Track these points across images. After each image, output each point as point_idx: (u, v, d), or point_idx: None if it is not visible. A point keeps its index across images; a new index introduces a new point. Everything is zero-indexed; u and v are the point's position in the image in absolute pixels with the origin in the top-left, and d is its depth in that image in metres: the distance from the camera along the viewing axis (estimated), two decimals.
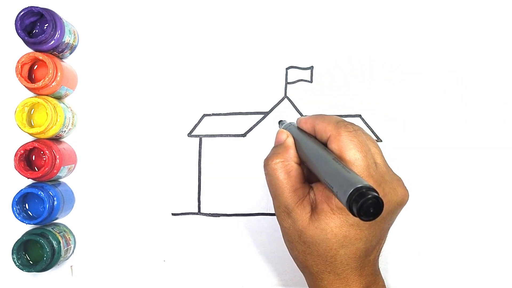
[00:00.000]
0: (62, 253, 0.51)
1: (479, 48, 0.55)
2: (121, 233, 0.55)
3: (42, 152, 0.51)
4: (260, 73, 0.55)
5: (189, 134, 0.55)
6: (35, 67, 0.52)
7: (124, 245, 0.55)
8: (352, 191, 0.32)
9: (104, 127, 0.55)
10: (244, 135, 0.55)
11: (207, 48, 0.56)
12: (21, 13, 0.49)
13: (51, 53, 0.52)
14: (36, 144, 0.50)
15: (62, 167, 0.51)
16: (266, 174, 0.43)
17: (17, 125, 0.49)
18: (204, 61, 0.56)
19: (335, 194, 0.35)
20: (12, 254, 0.50)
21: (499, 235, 0.54)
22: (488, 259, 0.54)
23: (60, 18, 0.51)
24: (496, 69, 0.55)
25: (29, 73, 0.51)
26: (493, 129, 0.54)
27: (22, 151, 0.50)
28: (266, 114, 0.55)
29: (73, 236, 0.54)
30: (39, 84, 0.49)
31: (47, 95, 0.51)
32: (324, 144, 0.41)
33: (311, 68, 0.55)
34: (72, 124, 0.53)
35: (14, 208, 0.50)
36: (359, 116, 0.55)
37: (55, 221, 0.54)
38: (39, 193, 0.50)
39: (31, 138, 0.53)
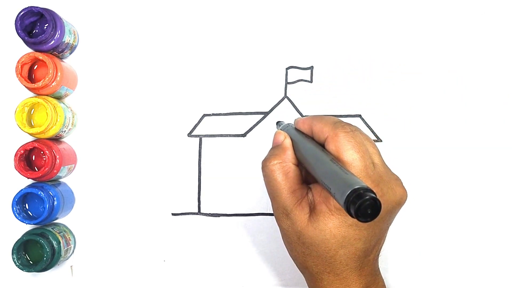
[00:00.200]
0: (62, 253, 0.51)
1: (479, 48, 0.55)
2: (121, 233, 0.55)
3: (42, 152, 0.51)
4: (260, 73, 0.55)
5: (189, 134, 0.55)
6: (35, 67, 0.52)
7: (124, 245, 0.55)
8: (350, 192, 0.32)
9: (104, 127, 0.55)
10: (244, 135, 0.55)
11: (207, 48, 0.56)
12: (21, 13, 0.49)
13: (51, 53, 0.52)
14: (36, 144, 0.50)
15: (62, 167, 0.51)
16: (264, 176, 0.43)
17: (17, 125, 0.50)
18: (204, 61, 0.56)
19: (332, 196, 0.35)
20: (12, 254, 0.50)
21: (499, 235, 0.54)
22: (488, 259, 0.54)
23: (60, 18, 0.51)
24: (496, 69, 0.55)
25: (29, 73, 0.51)
26: (493, 129, 0.54)
27: (22, 151, 0.50)
28: (266, 114, 0.55)
29: (73, 236, 0.54)
30: (39, 84, 0.49)
31: (47, 95, 0.51)
32: (322, 145, 0.40)
33: (311, 68, 0.55)
34: (72, 124, 0.53)
35: (14, 208, 0.50)
36: (359, 116, 0.55)
37: (55, 221, 0.54)
38: (39, 193, 0.50)
39: (31, 138, 0.53)
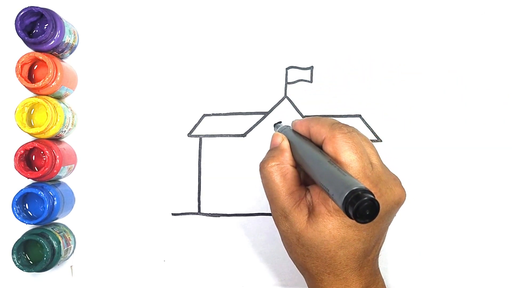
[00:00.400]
0: (62, 253, 0.51)
1: (479, 48, 0.55)
2: (121, 233, 0.55)
3: (42, 152, 0.51)
4: (260, 73, 0.55)
5: (189, 134, 0.55)
6: (35, 67, 0.52)
7: (124, 245, 0.55)
8: (348, 193, 0.32)
9: (104, 127, 0.55)
10: (244, 135, 0.55)
11: (207, 48, 0.56)
12: (21, 13, 0.49)
13: (51, 53, 0.52)
14: (36, 144, 0.50)
15: (62, 167, 0.51)
16: (262, 178, 0.43)
17: (17, 125, 0.50)
18: (204, 61, 0.56)
19: (331, 197, 0.35)
20: (12, 254, 0.50)
21: (498, 235, 0.54)
22: (488, 259, 0.54)
23: (60, 18, 0.51)
24: (496, 69, 0.54)
25: (29, 73, 0.51)
26: (493, 129, 0.54)
27: (22, 151, 0.50)
28: (266, 114, 0.55)
29: (73, 236, 0.54)
30: (39, 84, 0.49)
31: (47, 95, 0.51)
32: (320, 147, 0.40)
33: (311, 68, 0.55)
34: (72, 124, 0.53)
35: (14, 208, 0.50)
36: (359, 116, 0.55)
37: (55, 221, 0.54)
38: (39, 193, 0.50)
39: (31, 138, 0.53)
